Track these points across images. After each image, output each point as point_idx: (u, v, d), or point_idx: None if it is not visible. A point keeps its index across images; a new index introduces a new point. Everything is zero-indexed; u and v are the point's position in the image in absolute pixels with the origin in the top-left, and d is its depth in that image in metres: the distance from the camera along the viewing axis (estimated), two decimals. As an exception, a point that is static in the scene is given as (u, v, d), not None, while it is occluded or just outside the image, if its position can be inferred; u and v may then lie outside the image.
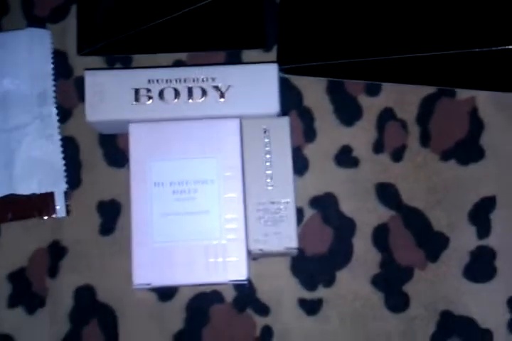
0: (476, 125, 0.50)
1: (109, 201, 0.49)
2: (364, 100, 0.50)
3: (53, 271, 0.48)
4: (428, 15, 0.45)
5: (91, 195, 0.49)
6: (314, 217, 0.49)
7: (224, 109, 0.45)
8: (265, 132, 0.45)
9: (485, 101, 0.50)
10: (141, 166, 0.44)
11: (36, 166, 0.48)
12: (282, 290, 0.48)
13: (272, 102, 0.46)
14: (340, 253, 0.48)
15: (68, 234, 0.48)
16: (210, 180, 0.44)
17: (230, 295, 0.48)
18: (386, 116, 0.50)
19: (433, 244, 0.48)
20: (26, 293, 0.48)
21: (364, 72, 0.50)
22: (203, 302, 0.47)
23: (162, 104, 0.45)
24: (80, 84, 0.50)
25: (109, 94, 0.45)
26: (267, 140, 0.45)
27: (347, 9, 0.47)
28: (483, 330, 0.47)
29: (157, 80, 0.46)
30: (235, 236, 0.43)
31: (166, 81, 0.46)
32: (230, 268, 0.43)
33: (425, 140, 0.50)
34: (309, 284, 0.48)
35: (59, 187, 0.48)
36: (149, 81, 0.46)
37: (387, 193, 0.49)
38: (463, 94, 0.50)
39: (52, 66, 0.50)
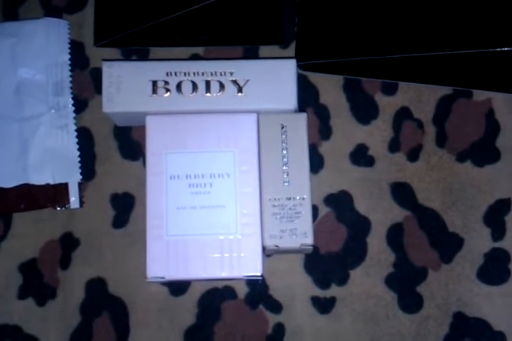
0: (492, 127, 0.50)
1: (122, 193, 0.48)
2: (381, 99, 0.50)
3: (65, 263, 0.47)
4: (447, 13, 0.45)
5: (105, 187, 0.48)
6: (329, 214, 0.48)
7: (241, 104, 0.45)
8: (282, 128, 0.45)
9: (501, 103, 0.50)
10: (157, 159, 0.44)
11: (50, 156, 0.47)
12: (295, 288, 0.47)
13: (290, 98, 0.45)
14: (354, 252, 0.48)
15: (81, 225, 0.48)
16: (227, 174, 0.44)
17: (242, 291, 0.47)
18: (402, 115, 0.50)
19: (447, 245, 0.48)
20: (37, 285, 0.47)
21: (381, 71, 0.50)
22: (215, 297, 0.47)
23: (179, 96, 0.45)
24: (96, 76, 0.50)
25: (127, 85, 0.45)
26: (283, 136, 0.45)
27: (365, 7, 0.47)
28: (496, 333, 0.47)
29: (175, 73, 0.45)
30: (251, 231, 0.43)
31: (184, 74, 0.45)
32: (245, 263, 0.43)
33: (441, 140, 0.49)
34: (322, 282, 0.47)
35: (73, 179, 0.48)
36: (167, 73, 0.45)
37: (402, 193, 0.48)
38: (479, 95, 0.50)
39: (68, 56, 0.50)
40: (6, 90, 0.48)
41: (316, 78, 0.50)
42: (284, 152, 0.44)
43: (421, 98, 0.50)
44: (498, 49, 0.43)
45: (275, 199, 0.44)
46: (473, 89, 0.50)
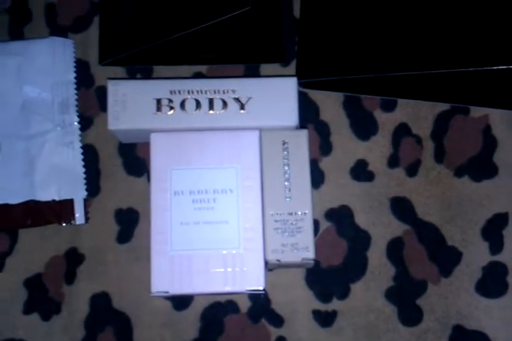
0: (490, 142, 0.51)
1: (127, 209, 0.49)
2: (380, 115, 0.51)
3: (70, 278, 0.48)
4: (444, 32, 0.46)
5: (109, 203, 0.49)
6: (329, 229, 0.49)
7: (244, 121, 0.46)
8: (284, 144, 0.46)
9: (498, 119, 0.51)
10: (161, 175, 0.45)
11: (56, 173, 0.48)
12: (297, 302, 0.48)
13: (291, 115, 0.46)
14: (354, 266, 0.48)
15: (86, 241, 0.49)
16: (230, 190, 0.45)
17: (245, 305, 0.48)
18: (401, 131, 0.51)
19: (446, 258, 0.48)
20: (42, 299, 0.48)
21: (380, 88, 0.51)
22: (218, 311, 0.48)
23: (183, 114, 0.46)
24: (101, 94, 0.51)
25: (131, 103, 0.46)
26: (285, 152, 0.45)
27: (365, 26, 0.48)
28: (495, 345, 0.47)
29: (179, 91, 0.46)
30: (253, 246, 0.44)
31: (188, 92, 0.46)
32: (248, 277, 0.43)
33: (439, 156, 0.50)
34: (324, 296, 0.48)
35: (78, 195, 0.48)
36: (171, 92, 0.46)
37: (401, 207, 0.49)
38: (476, 111, 0.51)
39: (74, 75, 0.51)
40: (12, 108, 0.49)
41: (317, 95, 0.51)
42: (286, 168, 0.45)
43: (419, 114, 0.51)
44: (495, 67, 0.44)
45: (277, 214, 0.44)
46: (470, 106, 0.51)
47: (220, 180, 0.45)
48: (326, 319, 0.48)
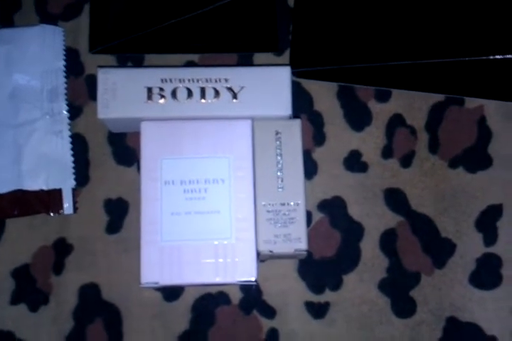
0: (484, 133, 0.50)
1: (116, 199, 0.48)
2: (374, 106, 0.51)
3: (58, 268, 0.47)
4: (439, 21, 0.45)
5: (98, 193, 0.48)
6: (322, 220, 0.48)
7: (236, 110, 0.45)
8: (277, 134, 0.45)
9: (493, 110, 0.51)
10: (152, 164, 0.44)
11: (44, 162, 0.48)
12: (289, 293, 0.47)
13: (284, 104, 0.45)
14: (347, 257, 0.48)
15: (74, 231, 0.48)
16: (221, 180, 0.44)
17: (236, 296, 0.47)
18: (395, 122, 0.50)
19: (440, 250, 0.48)
20: (30, 290, 0.47)
21: (374, 78, 0.50)
22: (209, 303, 0.47)
23: (175, 103, 0.45)
24: (91, 82, 0.50)
25: (122, 92, 0.45)
26: (278, 142, 0.45)
27: (360, 15, 0.48)
28: (488, 337, 0.47)
29: (170, 79, 0.46)
30: (245, 237, 0.43)
31: (179, 80, 0.46)
32: (239, 268, 0.43)
33: (434, 147, 0.50)
34: (316, 287, 0.47)
35: (67, 184, 0.48)
36: (162, 80, 0.46)
37: (395, 199, 0.49)
38: (471, 102, 0.51)
39: (63, 63, 0.50)
40: (1, 96, 0.48)
41: (310, 85, 0.51)
42: (279, 158, 0.45)
43: (414, 105, 0.51)
44: (491, 57, 0.44)
45: (269, 204, 0.44)
46: (465, 97, 0.51)
47: (212, 170, 0.44)
48: (318, 310, 0.47)
